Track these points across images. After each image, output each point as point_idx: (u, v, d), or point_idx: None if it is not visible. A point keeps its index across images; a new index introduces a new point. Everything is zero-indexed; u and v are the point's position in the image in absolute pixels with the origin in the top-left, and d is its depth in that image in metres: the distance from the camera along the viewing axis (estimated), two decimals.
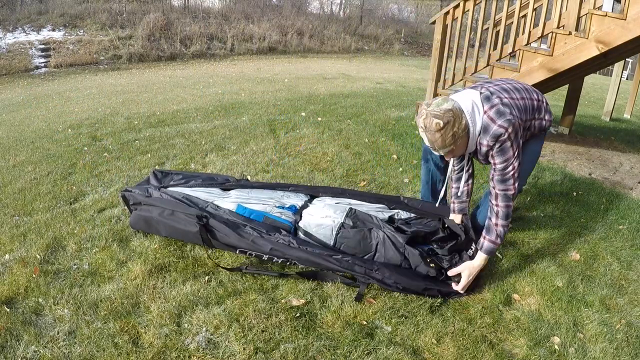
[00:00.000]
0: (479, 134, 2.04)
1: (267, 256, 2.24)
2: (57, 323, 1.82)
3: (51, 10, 15.85)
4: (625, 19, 3.31)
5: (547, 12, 4.09)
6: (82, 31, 15.30)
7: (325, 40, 18.52)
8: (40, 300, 1.96)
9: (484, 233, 2.15)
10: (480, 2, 4.46)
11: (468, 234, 2.28)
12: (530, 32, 4.14)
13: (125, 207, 2.72)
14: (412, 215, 2.58)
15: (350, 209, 2.50)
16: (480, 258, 2.11)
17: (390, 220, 2.52)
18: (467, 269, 2.10)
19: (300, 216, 2.47)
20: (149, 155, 4.04)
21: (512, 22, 4.45)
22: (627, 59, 11.67)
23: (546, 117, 2.28)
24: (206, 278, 2.12)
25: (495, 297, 2.08)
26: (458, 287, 2.09)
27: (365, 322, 1.88)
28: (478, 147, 2.08)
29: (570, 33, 3.70)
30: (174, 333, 1.78)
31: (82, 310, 1.89)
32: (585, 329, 1.91)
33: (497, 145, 2.02)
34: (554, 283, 2.20)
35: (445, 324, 1.90)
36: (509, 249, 2.50)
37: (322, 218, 2.42)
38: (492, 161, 2.09)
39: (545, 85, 4.42)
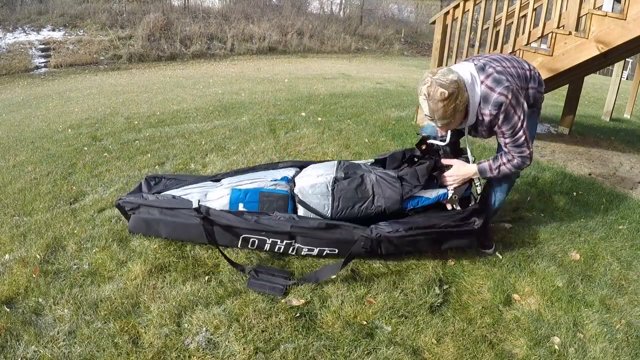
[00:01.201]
0: (479, 105, 2.05)
1: (270, 241, 2.24)
2: (57, 323, 1.82)
3: (51, 10, 15.86)
4: (625, 19, 3.31)
5: (547, 12, 4.10)
6: (82, 31, 15.31)
7: (325, 40, 18.52)
8: (40, 300, 1.96)
9: (490, 158, 2.25)
10: (480, 2, 4.46)
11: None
12: (530, 32, 4.14)
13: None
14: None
15: (339, 161, 2.53)
16: (473, 168, 2.27)
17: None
18: (458, 164, 2.27)
19: (294, 183, 2.46)
20: (149, 155, 4.04)
21: (512, 22, 4.45)
22: (627, 59, 11.67)
23: (539, 88, 2.28)
24: (206, 278, 2.12)
25: (495, 297, 2.08)
26: (446, 175, 2.30)
27: (365, 322, 1.88)
28: (480, 118, 2.09)
29: (570, 33, 3.70)
30: (174, 333, 1.78)
31: (82, 310, 1.89)
32: (585, 329, 1.91)
33: (501, 115, 2.03)
34: (554, 283, 2.20)
35: (445, 324, 1.90)
36: (509, 249, 2.51)
37: (316, 178, 2.41)
38: (499, 131, 2.10)
39: (545, 85, 4.42)
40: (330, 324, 1.86)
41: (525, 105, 2.09)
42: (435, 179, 2.33)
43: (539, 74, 2.30)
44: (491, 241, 2.49)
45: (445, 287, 2.15)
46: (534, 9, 4.23)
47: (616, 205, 3.22)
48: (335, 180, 2.38)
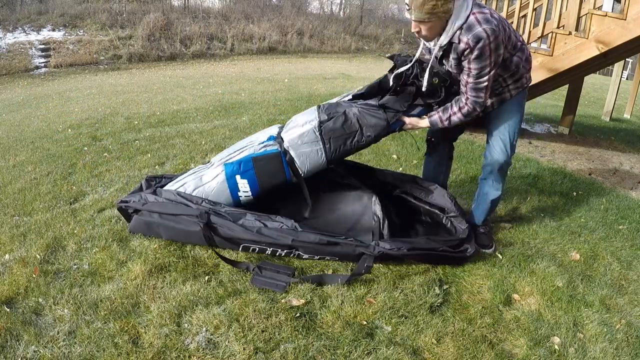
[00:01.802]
0: (460, 29, 2.03)
1: (270, 249, 2.24)
2: (57, 323, 1.82)
3: (51, 10, 15.86)
4: (625, 19, 3.31)
5: (547, 12, 4.10)
6: (82, 31, 15.31)
7: (325, 40, 18.53)
8: (40, 300, 1.95)
9: (439, 109, 2.30)
10: (480, 2, 4.45)
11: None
12: (530, 32, 4.14)
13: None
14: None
15: (318, 105, 2.52)
16: (424, 122, 2.34)
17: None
18: (412, 120, 2.35)
19: (282, 139, 2.44)
20: (149, 155, 4.03)
21: (512, 22, 4.45)
22: (627, 59, 11.67)
23: (526, 65, 2.28)
24: (206, 278, 2.12)
25: (495, 297, 2.08)
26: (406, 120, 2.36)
27: (365, 322, 1.88)
28: (457, 42, 2.07)
29: (570, 33, 3.70)
30: (174, 333, 1.78)
31: (82, 310, 1.89)
32: (585, 329, 1.91)
33: (475, 51, 2.02)
34: (554, 283, 2.20)
35: (445, 324, 1.90)
36: (509, 249, 2.50)
37: (301, 127, 2.40)
38: (466, 67, 2.10)
39: (545, 85, 4.42)
40: (330, 324, 1.86)
41: (501, 58, 2.10)
42: (418, 106, 2.37)
43: (530, 55, 2.32)
44: (491, 241, 2.49)
45: (445, 287, 2.15)
46: (534, 9, 4.23)
47: (616, 205, 3.22)
48: (320, 123, 2.36)
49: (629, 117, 7.45)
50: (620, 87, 7.05)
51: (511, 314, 1.99)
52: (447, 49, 2.14)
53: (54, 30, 15.12)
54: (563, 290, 2.15)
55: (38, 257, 2.29)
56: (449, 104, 2.26)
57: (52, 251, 2.36)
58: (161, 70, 13.13)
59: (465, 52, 2.06)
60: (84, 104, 7.23)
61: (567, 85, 5.52)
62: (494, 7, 4.48)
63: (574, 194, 3.39)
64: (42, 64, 13.25)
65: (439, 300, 2.04)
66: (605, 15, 3.45)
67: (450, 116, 2.25)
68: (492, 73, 2.09)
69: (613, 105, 7.01)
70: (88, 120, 5.76)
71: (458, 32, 2.04)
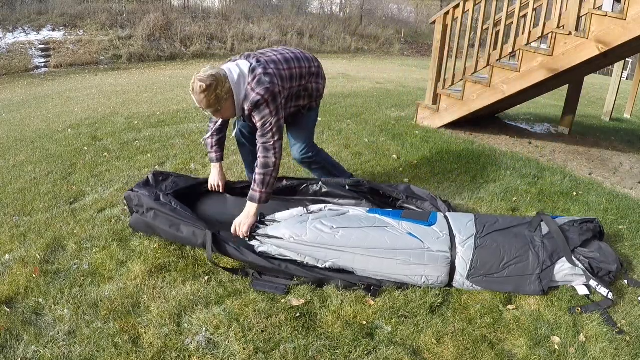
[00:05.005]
0: (243, 101, 2.29)
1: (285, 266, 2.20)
2: (57, 323, 1.82)
3: (51, 10, 15.85)
4: (625, 19, 3.32)
5: (547, 12, 4.10)
6: (82, 31, 15.31)
7: (325, 40, 18.53)
8: (40, 300, 1.96)
9: (252, 185, 2.38)
10: (480, 2, 4.46)
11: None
12: (530, 32, 4.14)
13: (126, 207, 2.70)
14: None
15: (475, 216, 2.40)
16: (249, 206, 2.34)
17: None
18: (238, 219, 2.33)
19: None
20: (149, 155, 4.03)
21: (512, 22, 4.46)
22: (627, 59, 11.67)
23: (320, 82, 2.62)
24: (206, 278, 2.12)
25: (495, 297, 2.08)
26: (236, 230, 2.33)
27: (365, 322, 1.88)
28: (245, 112, 2.33)
29: (570, 33, 3.70)
30: (174, 333, 1.78)
31: (82, 310, 1.89)
32: (585, 329, 1.91)
33: (255, 109, 2.28)
34: None
35: (445, 324, 1.90)
36: None
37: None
38: (254, 120, 2.33)
39: (545, 85, 4.43)
40: (330, 324, 1.86)
41: (282, 102, 2.34)
42: None
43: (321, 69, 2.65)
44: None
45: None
46: (534, 9, 4.23)
47: (616, 205, 3.22)
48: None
49: (629, 117, 7.46)
50: (620, 87, 7.05)
51: (511, 314, 1.99)
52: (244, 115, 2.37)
53: (54, 30, 15.12)
54: (563, 291, 2.15)
55: (38, 257, 2.29)
56: (255, 177, 2.35)
57: (52, 251, 2.36)
58: (161, 70, 13.13)
59: (251, 114, 2.31)
60: (84, 104, 7.23)
61: (567, 85, 5.52)
62: (493, 7, 4.48)
63: (574, 194, 3.39)
64: (42, 64, 13.25)
65: (439, 300, 2.04)
66: (605, 15, 3.45)
67: (262, 180, 2.32)
68: (274, 120, 2.29)
69: (613, 105, 7.01)
70: (88, 120, 5.76)
71: (243, 102, 2.30)
